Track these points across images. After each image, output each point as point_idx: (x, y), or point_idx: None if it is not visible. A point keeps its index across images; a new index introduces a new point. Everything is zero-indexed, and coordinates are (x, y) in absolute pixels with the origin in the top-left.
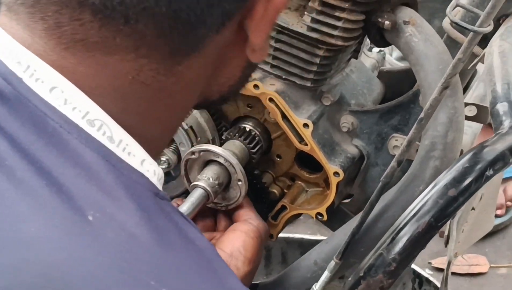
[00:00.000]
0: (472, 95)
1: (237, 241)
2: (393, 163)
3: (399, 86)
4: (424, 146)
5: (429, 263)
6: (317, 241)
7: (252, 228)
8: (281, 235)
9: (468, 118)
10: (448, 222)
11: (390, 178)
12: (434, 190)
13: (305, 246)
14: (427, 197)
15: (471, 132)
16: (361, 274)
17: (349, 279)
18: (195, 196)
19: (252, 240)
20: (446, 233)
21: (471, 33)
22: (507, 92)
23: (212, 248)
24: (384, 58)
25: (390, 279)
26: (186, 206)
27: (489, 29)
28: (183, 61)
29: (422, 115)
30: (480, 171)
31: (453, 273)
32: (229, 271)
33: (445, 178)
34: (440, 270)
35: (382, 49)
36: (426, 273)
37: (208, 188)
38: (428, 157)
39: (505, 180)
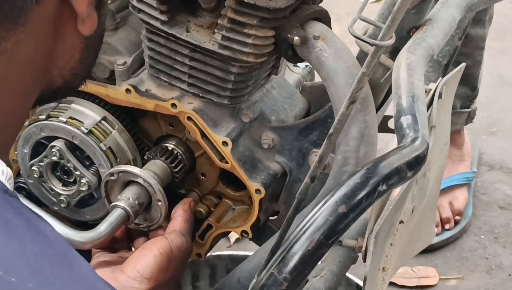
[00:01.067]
0: None
1: (139, 261)
2: (307, 179)
3: (324, 100)
4: (337, 161)
5: None
6: None
7: (162, 244)
8: (226, 252)
9: (392, 130)
10: (366, 237)
11: (304, 195)
12: (324, 207)
13: None
14: (317, 214)
15: None
16: None
17: None
18: (114, 216)
19: (155, 259)
20: (363, 249)
21: (373, 47)
22: (411, 105)
23: (63, 240)
24: (310, 72)
25: None
26: (104, 226)
27: (389, 42)
28: (9, 37)
29: (331, 130)
30: (372, 187)
31: (401, 286)
32: (81, 260)
33: (335, 194)
34: (391, 284)
35: (308, 64)
36: None
37: (128, 208)
38: (341, 172)
39: (450, 189)
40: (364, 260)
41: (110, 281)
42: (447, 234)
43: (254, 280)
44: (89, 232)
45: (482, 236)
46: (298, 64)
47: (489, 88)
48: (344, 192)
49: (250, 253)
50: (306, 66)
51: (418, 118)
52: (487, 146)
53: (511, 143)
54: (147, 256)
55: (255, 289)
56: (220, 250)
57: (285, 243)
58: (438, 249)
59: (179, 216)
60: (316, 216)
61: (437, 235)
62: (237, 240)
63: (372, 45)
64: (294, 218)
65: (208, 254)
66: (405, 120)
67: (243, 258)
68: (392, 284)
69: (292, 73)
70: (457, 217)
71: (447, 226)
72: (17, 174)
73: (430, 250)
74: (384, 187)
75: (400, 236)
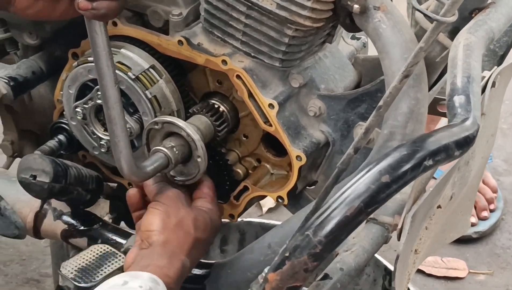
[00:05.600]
0: None
1: (142, 220)
2: (350, 150)
3: (375, 74)
4: (383, 135)
5: None
6: None
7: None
8: (257, 220)
9: (441, 114)
10: (403, 216)
11: (346, 165)
12: (367, 175)
13: None
14: (359, 182)
15: None
16: (286, 254)
17: (275, 258)
18: (155, 158)
19: (152, 213)
20: (399, 227)
21: (434, 22)
22: (465, 85)
23: None
24: (364, 46)
25: (315, 262)
26: (147, 162)
27: (452, 19)
28: None
29: (381, 103)
30: (418, 160)
31: (429, 275)
32: None
33: (380, 163)
34: (419, 271)
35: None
36: None
37: (169, 154)
38: (385, 147)
39: None
40: (399, 238)
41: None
42: (484, 225)
43: (285, 246)
44: (140, 168)
45: None
46: (357, 35)
47: None
48: (389, 162)
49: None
50: (359, 38)
51: (472, 99)
52: None
53: None
54: (146, 214)
55: (288, 249)
56: (252, 218)
57: (323, 207)
58: (470, 242)
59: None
60: (358, 183)
61: (473, 225)
62: (269, 210)
63: (433, 20)
64: (332, 188)
65: (239, 220)
66: (458, 99)
67: (273, 227)
68: (420, 271)
69: (346, 45)
70: (494, 194)
71: (485, 213)
72: (60, 115)
73: (462, 241)
74: (431, 162)
75: (436, 221)
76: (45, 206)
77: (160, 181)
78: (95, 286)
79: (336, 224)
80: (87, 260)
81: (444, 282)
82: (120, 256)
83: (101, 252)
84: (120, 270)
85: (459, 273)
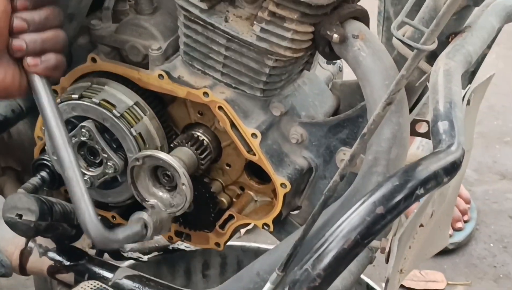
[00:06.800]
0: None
1: None
2: (336, 176)
3: (353, 98)
4: (367, 161)
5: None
6: None
7: None
8: (237, 243)
9: (420, 134)
10: (390, 238)
11: (332, 192)
12: (362, 207)
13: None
14: (354, 214)
15: (428, 148)
16: (286, 289)
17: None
18: (129, 226)
19: None
20: (387, 250)
21: (415, 50)
22: (448, 111)
23: None
24: (340, 70)
25: None
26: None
27: (432, 46)
28: None
29: (365, 130)
30: (410, 190)
31: (409, 288)
32: None
33: (374, 195)
34: (401, 287)
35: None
36: (380, 288)
37: (149, 223)
38: (370, 173)
39: None
40: (387, 261)
41: None
42: (459, 236)
43: (274, 274)
44: (109, 232)
45: (492, 245)
46: (334, 61)
47: (505, 98)
48: (382, 193)
49: (262, 246)
50: (335, 63)
51: (455, 124)
52: (500, 155)
53: None
54: None
55: (287, 283)
56: (231, 241)
57: (320, 241)
58: (446, 253)
59: None
60: (353, 216)
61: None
62: (247, 231)
63: (414, 48)
64: (320, 214)
65: None
66: (442, 125)
67: (254, 250)
68: (400, 286)
69: (322, 70)
70: (465, 217)
71: (460, 225)
72: (41, 151)
73: (439, 253)
74: (422, 191)
75: (418, 240)
76: (30, 243)
77: None
78: None
79: (334, 257)
80: None
81: None
82: None
83: (92, 289)
84: None
85: (438, 285)
